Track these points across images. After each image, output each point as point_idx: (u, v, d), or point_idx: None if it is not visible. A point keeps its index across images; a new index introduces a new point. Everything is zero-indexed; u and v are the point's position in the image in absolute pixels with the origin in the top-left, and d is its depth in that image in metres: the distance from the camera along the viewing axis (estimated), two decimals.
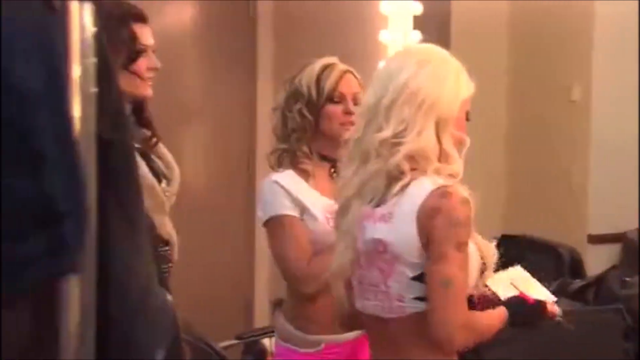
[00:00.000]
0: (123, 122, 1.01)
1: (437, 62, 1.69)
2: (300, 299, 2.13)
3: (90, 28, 0.88)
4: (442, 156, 1.67)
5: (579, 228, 3.75)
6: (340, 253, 1.74)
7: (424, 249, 1.62)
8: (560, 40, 3.92)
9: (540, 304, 1.81)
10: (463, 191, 1.62)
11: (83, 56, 0.87)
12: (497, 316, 1.73)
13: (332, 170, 2.17)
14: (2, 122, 0.80)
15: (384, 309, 1.68)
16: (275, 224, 2.12)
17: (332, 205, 2.01)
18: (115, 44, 1.80)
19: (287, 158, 2.17)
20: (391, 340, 1.70)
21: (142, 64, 1.96)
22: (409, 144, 1.63)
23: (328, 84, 2.14)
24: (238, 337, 3.19)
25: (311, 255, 2.08)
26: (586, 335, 1.81)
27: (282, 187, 2.11)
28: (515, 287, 1.83)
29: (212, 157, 4.63)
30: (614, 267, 3.32)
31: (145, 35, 1.98)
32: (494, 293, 1.77)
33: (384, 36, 3.85)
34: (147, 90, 1.99)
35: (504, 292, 1.80)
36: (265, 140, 4.08)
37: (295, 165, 2.16)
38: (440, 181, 1.63)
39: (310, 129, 2.15)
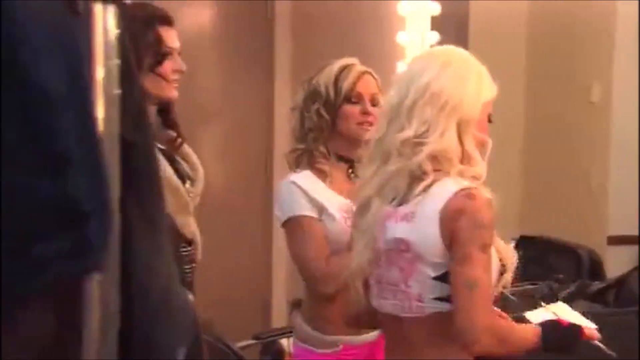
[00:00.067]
0: (145, 123, 1.01)
1: (459, 63, 1.69)
2: (318, 299, 2.13)
3: (114, 30, 0.88)
4: (465, 158, 1.66)
5: (598, 229, 3.73)
6: (359, 252, 1.74)
7: (447, 249, 1.61)
8: (580, 40, 3.89)
9: (575, 327, 1.75)
10: (486, 193, 1.62)
11: (106, 58, 0.88)
12: (530, 330, 1.69)
13: (350, 170, 2.18)
14: (26, 122, 0.81)
15: (402, 309, 1.68)
16: (293, 224, 2.13)
17: (349, 204, 2.01)
18: (141, 47, 1.81)
19: (304, 158, 2.18)
20: (406, 340, 1.70)
21: (167, 66, 1.97)
22: (432, 145, 1.63)
23: (346, 84, 2.15)
24: (255, 337, 3.19)
25: (329, 255, 2.08)
26: (606, 338, 1.80)
27: (300, 187, 2.12)
28: (554, 314, 1.80)
29: (229, 158, 4.64)
30: (635, 269, 3.29)
31: (171, 37, 2.00)
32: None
33: (401, 37, 3.84)
34: (173, 92, 2.00)
35: (541, 318, 1.77)
36: (283, 140, 4.09)
37: (312, 165, 2.16)
38: (465, 183, 1.63)
39: (327, 129, 2.15)
